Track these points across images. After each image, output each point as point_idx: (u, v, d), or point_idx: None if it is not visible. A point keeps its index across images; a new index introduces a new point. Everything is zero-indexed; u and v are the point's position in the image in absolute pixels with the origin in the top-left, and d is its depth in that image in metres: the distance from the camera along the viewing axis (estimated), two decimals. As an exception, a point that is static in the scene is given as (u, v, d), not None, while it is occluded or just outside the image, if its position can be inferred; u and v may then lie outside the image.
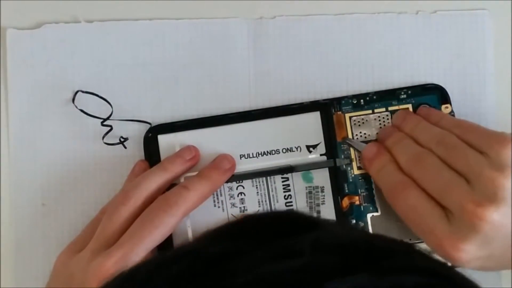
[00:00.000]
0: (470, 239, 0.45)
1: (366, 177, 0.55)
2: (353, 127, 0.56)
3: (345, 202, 0.55)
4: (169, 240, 0.53)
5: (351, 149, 0.55)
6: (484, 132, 0.49)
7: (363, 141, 0.55)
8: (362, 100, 0.56)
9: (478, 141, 0.47)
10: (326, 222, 0.35)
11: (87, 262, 0.50)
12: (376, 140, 0.55)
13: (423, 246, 0.50)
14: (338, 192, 0.55)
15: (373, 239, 0.34)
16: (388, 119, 0.55)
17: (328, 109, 0.56)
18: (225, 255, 0.30)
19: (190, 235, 0.54)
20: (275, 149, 0.56)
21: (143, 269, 0.32)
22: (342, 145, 0.55)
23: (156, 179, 0.53)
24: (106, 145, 0.56)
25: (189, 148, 0.55)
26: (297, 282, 0.28)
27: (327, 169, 0.55)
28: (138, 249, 0.49)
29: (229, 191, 0.55)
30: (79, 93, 0.57)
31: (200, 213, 0.54)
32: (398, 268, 0.30)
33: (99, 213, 0.55)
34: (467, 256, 0.46)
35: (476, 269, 0.48)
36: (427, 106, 0.55)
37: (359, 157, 0.55)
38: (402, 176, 0.50)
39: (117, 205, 0.52)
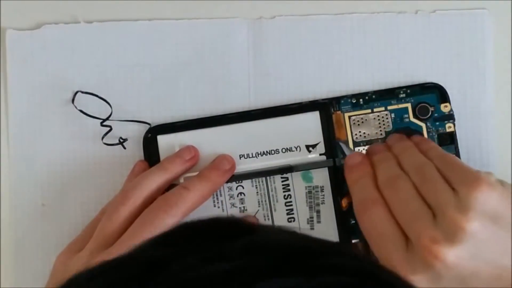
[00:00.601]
0: (421, 273, 0.45)
1: (365, 177, 0.55)
2: (352, 126, 0.56)
3: (345, 201, 0.55)
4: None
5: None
6: (462, 169, 0.48)
7: (363, 141, 0.55)
8: (361, 100, 0.56)
9: (454, 177, 0.47)
10: (263, 226, 0.35)
11: (86, 262, 0.50)
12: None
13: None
14: (337, 192, 0.55)
15: (304, 241, 0.34)
16: (387, 118, 0.55)
17: (327, 109, 0.56)
18: (155, 261, 0.31)
19: (189, 235, 0.54)
20: (275, 149, 0.56)
21: (76, 280, 0.32)
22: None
23: (155, 179, 0.53)
24: (105, 145, 0.56)
25: (189, 148, 0.55)
26: (227, 284, 0.28)
27: (326, 168, 0.55)
28: None
29: (228, 191, 0.55)
30: (79, 93, 0.57)
31: (200, 214, 0.53)
32: (327, 268, 0.30)
33: (99, 213, 0.55)
34: (417, 286, 0.45)
35: None
36: (421, 135, 0.55)
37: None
38: (375, 193, 0.49)
39: (116, 205, 0.52)
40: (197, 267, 0.29)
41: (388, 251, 0.47)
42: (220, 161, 0.55)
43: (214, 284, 0.29)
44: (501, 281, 0.45)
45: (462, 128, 0.56)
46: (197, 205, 0.53)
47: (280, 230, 0.36)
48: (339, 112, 0.56)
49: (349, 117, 0.56)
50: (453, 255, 0.44)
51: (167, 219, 0.51)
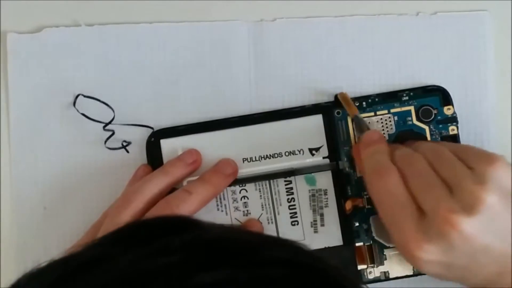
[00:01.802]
0: (436, 242, 0.45)
1: (369, 180, 0.55)
2: (355, 129, 0.56)
3: (348, 204, 0.55)
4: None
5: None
6: (477, 151, 0.49)
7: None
8: (364, 103, 0.56)
9: (470, 157, 0.48)
10: (208, 225, 0.36)
11: None
12: None
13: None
14: (341, 195, 0.55)
15: (244, 236, 0.35)
16: (390, 121, 0.55)
17: (330, 112, 0.56)
18: (93, 260, 0.32)
19: (192, 238, 0.54)
20: (278, 153, 0.56)
21: (22, 280, 0.35)
22: (344, 148, 0.56)
23: (157, 182, 0.53)
24: (108, 149, 0.56)
25: (191, 152, 0.55)
26: (167, 276, 0.30)
27: (330, 172, 0.55)
28: None
29: (232, 194, 0.55)
30: (80, 97, 0.57)
31: (203, 217, 0.53)
32: (263, 261, 0.32)
33: (101, 216, 0.55)
34: (427, 257, 0.46)
35: (431, 274, 0.48)
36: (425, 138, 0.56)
37: (358, 137, 0.55)
38: (390, 163, 0.49)
39: (118, 208, 0.52)
40: (138, 262, 0.31)
41: (400, 219, 0.47)
42: (223, 165, 0.55)
43: (155, 277, 0.30)
44: (508, 260, 0.46)
45: (463, 129, 0.56)
46: (199, 208, 0.53)
47: (224, 227, 0.38)
48: (343, 91, 0.56)
49: (352, 120, 0.56)
50: (469, 226, 0.44)
51: None
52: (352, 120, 0.55)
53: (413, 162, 0.49)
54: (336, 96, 0.56)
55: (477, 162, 0.47)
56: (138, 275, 0.30)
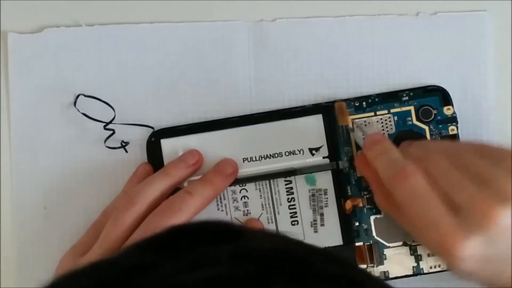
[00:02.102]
0: (476, 236, 0.44)
1: (369, 180, 0.55)
2: (355, 130, 0.56)
3: (348, 204, 0.55)
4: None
5: (354, 152, 0.55)
6: (496, 147, 0.48)
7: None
8: (364, 103, 0.56)
9: (493, 154, 0.47)
10: (251, 231, 0.35)
11: None
12: None
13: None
14: (341, 195, 0.55)
15: (291, 247, 0.34)
16: (390, 121, 0.56)
17: (330, 112, 0.56)
18: (136, 267, 0.30)
19: (193, 238, 0.54)
20: (278, 152, 0.56)
21: (60, 281, 0.32)
22: (344, 148, 0.56)
23: (160, 184, 0.53)
24: (108, 148, 0.56)
25: (192, 153, 0.55)
26: None
27: (330, 171, 0.55)
28: None
29: (232, 194, 0.55)
30: (81, 96, 0.57)
31: (204, 217, 0.54)
32: (316, 276, 0.30)
33: (101, 215, 0.55)
34: (468, 252, 0.45)
35: (467, 273, 0.46)
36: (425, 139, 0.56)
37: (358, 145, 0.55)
38: (408, 162, 0.48)
39: (121, 210, 0.52)
40: (184, 273, 0.29)
41: (436, 219, 0.46)
42: (223, 165, 0.55)
43: None
44: None
45: (463, 130, 0.56)
46: (200, 209, 0.53)
47: (269, 235, 0.36)
48: (341, 101, 0.56)
49: (352, 120, 0.56)
50: (508, 217, 0.44)
51: (171, 224, 0.50)
52: (350, 130, 0.56)
53: (435, 160, 0.48)
54: (334, 102, 0.56)
55: (501, 157, 0.46)
56: (184, 286, 0.29)
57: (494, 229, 0.44)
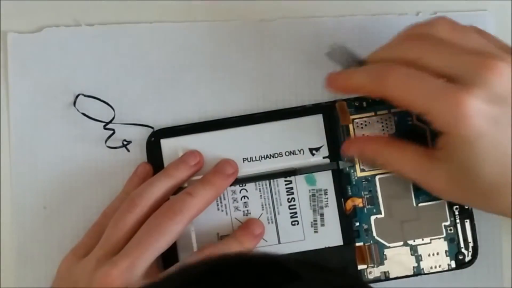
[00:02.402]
0: (479, 88, 0.45)
1: (369, 180, 0.55)
2: (356, 129, 0.56)
3: (349, 204, 0.55)
4: (173, 246, 0.53)
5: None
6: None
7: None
8: (364, 103, 0.56)
9: (459, 27, 0.49)
10: (307, 268, 0.33)
11: (92, 271, 0.50)
12: None
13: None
14: (341, 195, 0.55)
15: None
16: (390, 121, 0.56)
17: (331, 112, 0.56)
18: None
19: (193, 239, 0.54)
20: (278, 152, 0.56)
21: None
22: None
23: (161, 186, 0.53)
24: (108, 148, 0.56)
25: (193, 154, 0.55)
26: None
27: (330, 171, 0.55)
28: (144, 258, 0.50)
29: (232, 194, 0.55)
30: (81, 96, 0.57)
31: (204, 217, 0.54)
32: None
33: (101, 216, 0.55)
34: (475, 105, 0.45)
35: (478, 131, 0.45)
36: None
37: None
38: (388, 63, 0.48)
39: (123, 212, 0.52)
40: None
41: (435, 89, 0.46)
42: (223, 165, 0.55)
43: None
44: None
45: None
46: (201, 210, 0.53)
47: (327, 273, 0.34)
48: (343, 102, 0.56)
49: (353, 120, 0.56)
50: (509, 69, 0.45)
51: (172, 226, 0.51)
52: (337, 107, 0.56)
53: (424, 42, 0.48)
54: (335, 102, 0.56)
55: (468, 28, 0.48)
56: None
57: (498, 82, 0.45)
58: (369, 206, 0.55)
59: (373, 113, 0.56)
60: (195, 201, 0.52)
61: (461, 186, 0.48)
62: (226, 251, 0.52)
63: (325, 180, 0.55)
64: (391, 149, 0.51)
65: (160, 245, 0.50)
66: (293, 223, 0.55)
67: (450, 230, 0.55)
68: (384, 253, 0.55)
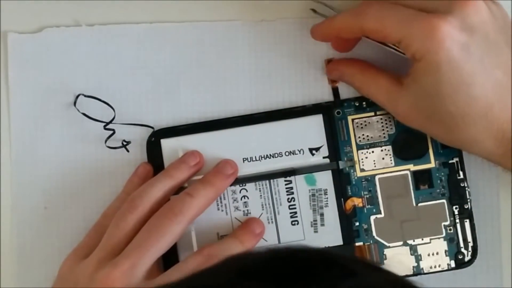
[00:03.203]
0: (454, 17, 0.47)
1: (369, 180, 0.56)
2: (355, 129, 0.56)
3: (349, 204, 0.55)
4: (173, 246, 0.53)
5: (354, 152, 0.56)
6: None
7: (366, 144, 0.56)
8: (364, 103, 0.56)
9: None
10: (362, 266, 0.32)
11: (93, 271, 0.50)
12: None
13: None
14: (341, 195, 0.55)
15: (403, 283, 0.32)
16: (390, 121, 0.56)
17: (330, 112, 0.56)
18: None
19: (194, 238, 0.55)
20: (278, 152, 0.56)
21: None
22: (344, 148, 0.56)
23: (161, 186, 0.53)
24: (108, 148, 0.56)
25: (194, 154, 0.55)
26: None
27: (330, 171, 0.55)
28: (145, 259, 0.50)
29: (232, 194, 0.56)
30: (81, 96, 0.57)
31: (204, 217, 0.54)
32: None
33: (102, 217, 0.55)
34: (446, 32, 0.47)
35: (454, 58, 0.47)
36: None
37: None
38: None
39: (123, 213, 0.52)
40: None
41: (408, 20, 0.48)
42: (223, 166, 0.55)
43: None
44: None
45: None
46: (202, 211, 0.53)
47: (380, 270, 0.33)
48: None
49: (353, 120, 0.56)
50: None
51: (172, 226, 0.51)
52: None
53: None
54: (335, 101, 0.56)
55: None
56: None
57: (472, 13, 0.47)
58: (369, 206, 0.55)
59: (373, 113, 0.56)
60: (195, 202, 0.52)
61: (424, 112, 0.50)
62: (227, 250, 0.52)
63: (325, 180, 0.55)
64: (366, 74, 0.54)
65: (161, 246, 0.50)
66: (293, 223, 0.55)
67: (450, 230, 0.55)
68: (384, 253, 0.55)
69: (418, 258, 0.55)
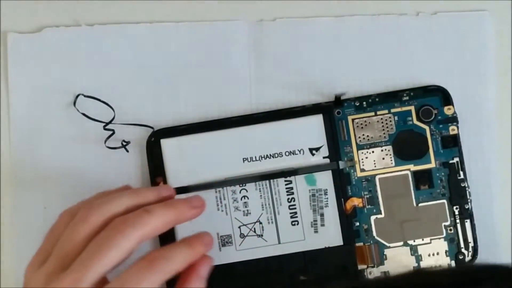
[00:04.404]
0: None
1: (369, 180, 0.56)
2: (355, 129, 0.56)
3: (349, 204, 0.55)
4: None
5: (354, 152, 0.55)
6: None
7: (366, 144, 0.56)
8: (364, 103, 0.56)
9: None
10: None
11: (43, 284, 0.47)
12: None
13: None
14: (341, 195, 0.55)
15: None
16: (390, 121, 0.56)
17: (330, 112, 0.56)
18: None
19: (193, 239, 0.54)
20: (278, 152, 0.56)
21: None
22: (344, 148, 0.56)
23: (125, 200, 0.50)
24: (108, 148, 0.56)
25: (168, 188, 0.53)
26: None
27: (330, 171, 0.55)
28: (89, 274, 0.46)
29: (232, 194, 0.55)
30: (81, 96, 0.57)
31: (204, 218, 0.53)
32: None
33: (59, 217, 0.52)
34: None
35: None
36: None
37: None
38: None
39: (77, 222, 0.49)
40: None
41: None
42: (192, 198, 0.52)
43: None
44: None
45: (463, 129, 0.56)
46: (157, 231, 0.49)
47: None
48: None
49: (353, 120, 0.56)
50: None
51: (121, 240, 0.47)
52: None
53: None
54: (336, 96, 0.56)
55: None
56: None
57: None
58: (369, 206, 0.55)
59: (373, 113, 0.56)
60: (151, 219, 0.48)
61: None
62: (174, 253, 0.49)
63: (325, 180, 0.55)
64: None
65: (109, 260, 0.47)
66: (293, 223, 0.55)
67: (450, 230, 0.55)
68: (384, 253, 0.55)
69: (418, 259, 0.55)
